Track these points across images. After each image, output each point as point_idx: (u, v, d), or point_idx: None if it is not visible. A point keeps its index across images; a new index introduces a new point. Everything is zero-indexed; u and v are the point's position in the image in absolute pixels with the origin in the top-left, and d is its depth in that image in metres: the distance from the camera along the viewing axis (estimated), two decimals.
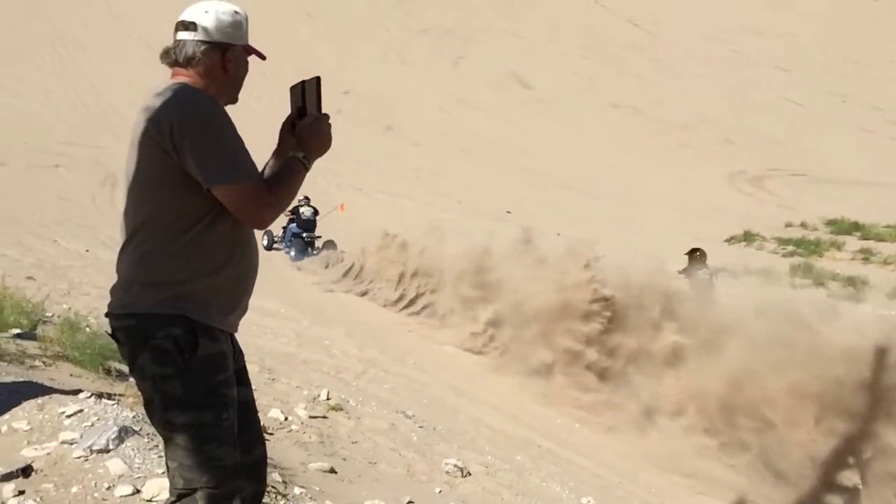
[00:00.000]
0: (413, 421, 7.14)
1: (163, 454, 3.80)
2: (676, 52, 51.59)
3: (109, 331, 2.46)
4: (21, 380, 4.75)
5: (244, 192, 2.32)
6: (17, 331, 6.28)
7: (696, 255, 11.51)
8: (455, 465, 5.84)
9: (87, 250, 14.20)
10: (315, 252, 17.77)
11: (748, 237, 26.26)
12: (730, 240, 25.85)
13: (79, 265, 12.80)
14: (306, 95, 2.52)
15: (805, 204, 31.21)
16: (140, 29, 40.98)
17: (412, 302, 12.70)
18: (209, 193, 2.31)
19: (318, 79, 2.56)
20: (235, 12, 2.46)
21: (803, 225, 27.81)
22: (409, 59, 45.92)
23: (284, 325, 10.08)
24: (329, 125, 2.51)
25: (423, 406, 7.95)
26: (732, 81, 46.89)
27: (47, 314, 7.51)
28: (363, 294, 13.74)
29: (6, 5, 40.43)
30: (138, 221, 2.35)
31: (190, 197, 2.32)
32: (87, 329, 6.19)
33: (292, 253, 18.18)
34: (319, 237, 18.05)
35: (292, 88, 2.53)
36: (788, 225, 27.97)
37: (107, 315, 2.44)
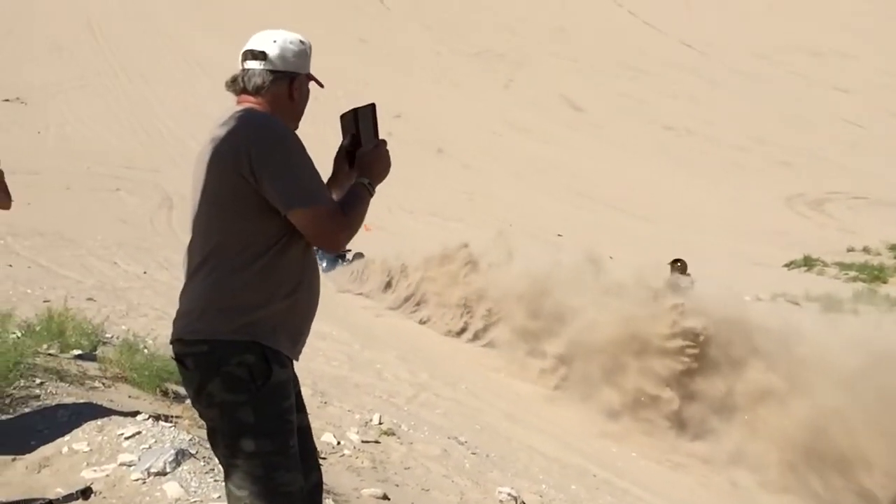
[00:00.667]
0: (465, 447, 7.06)
1: (218, 478, 3.82)
2: (730, 72, 50.93)
3: (173, 356, 2.43)
4: (81, 401, 4.82)
5: (322, 215, 2.34)
6: (78, 352, 6.40)
7: (677, 265, 11.52)
8: (509, 494, 5.73)
9: (145, 272, 14.48)
10: (345, 263, 18.33)
11: (808, 262, 25.58)
12: (789, 265, 25.21)
13: (137, 287, 13.06)
14: (360, 122, 2.55)
15: (866, 228, 30.34)
16: (199, 60, 42.09)
17: (476, 335, 12.22)
18: (282, 219, 2.33)
19: (373, 106, 2.59)
20: (301, 42, 2.50)
21: (865, 249, 27.00)
22: (460, 83, 46.20)
23: (336, 348, 10.11)
24: (387, 151, 2.57)
25: (475, 432, 7.85)
26: (788, 102, 46.05)
27: (107, 335, 7.64)
28: (423, 322, 13.57)
29: (76, 38, 41.92)
30: (210, 247, 2.35)
31: (265, 223, 2.34)
32: (146, 351, 6.27)
33: (324, 264, 18.71)
34: (350, 250, 18.57)
35: (343, 116, 2.57)
36: (850, 250, 27.18)
37: (173, 341, 2.40)
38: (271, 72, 2.44)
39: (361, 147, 2.52)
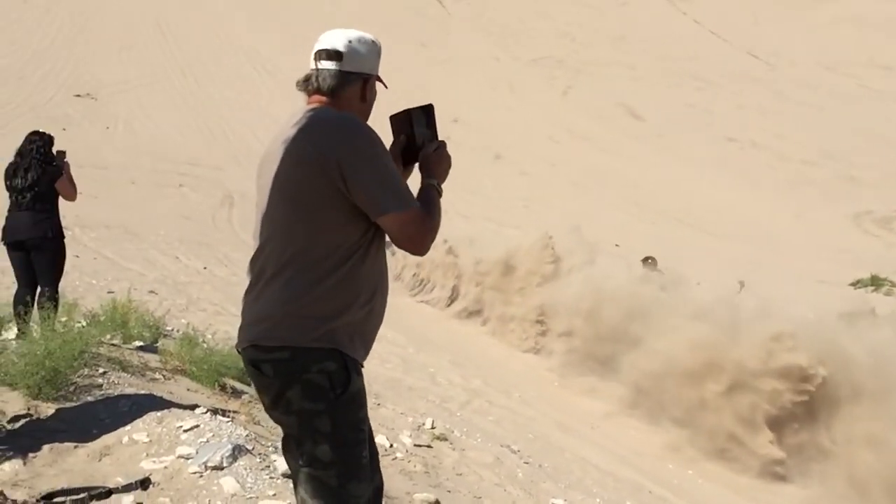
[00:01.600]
0: (518, 456, 6.97)
1: (274, 475, 3.81)
2: (797, 84, 49.69)
3: (247, 361, 2.37)
4: (142, 392, 4.88)
5: (412, 219, 2.31)
6: (140, 343, 6.51)
7: (648, 261, 12.48)
8: None
9: (205, 268, 14.72)
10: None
11: (875, 281, 24.71)
12: (855, 284, 24.42)
13: (197, 282, 13.28)
14: (414, 123, 2.52)
15: None
16: (263, 61, 42.81)
17: (537, 346, 11.92)
18: (364, 225, 2.31)
19: (431, 106, 2.56)
20: (374, 42, 2.48)
21: None
22: (518, 89, 46.04)
23: (391, 351, 10.11)
24: (448, 151, 2.56)
25: (528, 441, 7.75)
26: (858, 116, 44.69)
27: (168, 328, 7.77)
28: (483, 324, 13.39)
29: (145, 37, 43.02)
30: (291, 253, 2.30)
31: (349, 230, 2.31)
32: (204, 345, 6.35)
33: None
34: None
35: (394, 117, 2.55)
36: None
37: (247, 347, 2.35)
38: (346, 72, 2.41)
39: (415, 147, 2.50)
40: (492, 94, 44.48)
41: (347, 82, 2.41)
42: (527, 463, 6.82)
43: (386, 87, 2.53)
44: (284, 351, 2.26)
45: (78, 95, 34.26)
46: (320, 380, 2.25)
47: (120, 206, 19.72)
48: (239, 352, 2.44)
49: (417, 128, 2.52)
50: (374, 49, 2.46)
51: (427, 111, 2.54)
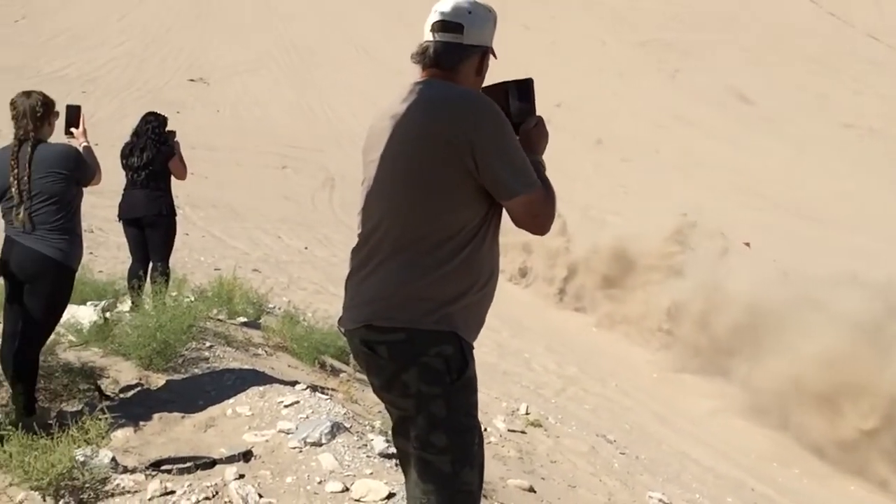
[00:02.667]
0: (614, 446, 6.84)
1: (371, 455, 3.84)
2: None
3: (360, 341, 2.30)
4: (246, 367, 5.02)
5: (539, 199, 2.25)
6: (244, 319, 6.71)
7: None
8: (660, 500, 5.48)
9: (306, 247, 15.07)
10: None
11: None
12: None
13: (298, 261, 13.62)
14: (510, 97, 2.43)
15: None
16: (366, 45, 43.34)
17: (640, 336, 11.65)
18: (486, 208, 2.25)
19: (530, 80, 2.47)
20: (492, 11, 2.37)
21: None
22: (624, 73, 44.98)
23: (485, 335, 10.00)
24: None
25: (624, 431, 7.60)
26: None
27: (270, 305, 7.99)
28: (577, 310, 13.11)
29: (256, 23, 44.23)
30: (411, 233, 2.23)
31: (472, 212, 2.24)
32: (304, 323, 6.48)
33: None
34: None
35: (488, 90, 2.44)
36: None
37: (360, 327, 2.28)
38: (466, 45, 2.31)
39: (510, 122, 2.37)
40: (597, 78, 43.64)
41: (467, 56, 2.32)
42: (623, 454, 6.68)
43: (496, 57, 2.43)
44: (401, 332, 2.20)
45: (191, 80, 35.60)
46: (437, 363, 2.20)
47: (227, 186, 20.39)
48: (343, 332, 2.41)
49: (513, 102, 2.43)
50: (492, 19, 2.36)
51: (525, 85, 2.45)
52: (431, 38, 2.32)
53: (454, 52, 2.31)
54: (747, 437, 8.63)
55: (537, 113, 2.46)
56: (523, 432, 6.29)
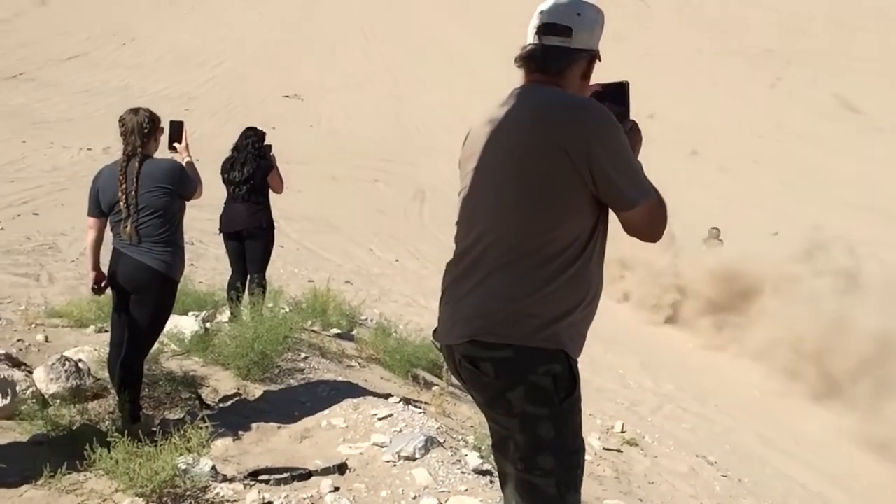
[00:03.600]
0: (715, 468, 6.56)
1: (465, 471, 3.78)
2: None
3: (463, 357, 2.20)
4: (340, 378, 5.05)
5: (655, 207, 2.16)
6: (337, 331, 6.79)
7: (713, 230, 15.12)
8: None
9: (397, 260, 15.17)
10: None
11: None
12: None
13: (389, 273, 13.72)
14: (605, 99, 2.33)
15: None
16: (457, 58, 43.62)
17: (739, 349, 11.13)
18: (595, 219, 2.15)
19: (626, 83, 2.39)
20: (600, 13, 2.26)
21: None
22: (721, 82, 43.73)
23: None
24: None
25: (725, 452, 7.30)
26: None
27: (362, 317, 8.05)
28: (668, 321, 12.61)
29: (348, 40, 45.20)
30: (520, 247, 2.11)
31: (584, 224, 2.14)
32: (396, 335, 6.50)
33: None
34: None
35: None
36: None
37: (460, 344, 2.19)
38: (574, 49, 2.19)
39: None
40: (692, 87, 42.58)
41: (574, 60, 2.20)
42: (724, 476, 6.41)
43: (600, 60, 2.32)
44: (508, 349, 2.10)
45: (287, 96, 36.57)
46: (545, 382, 2.10)
47: (321, 199, 20.77)
48: (439, 346, 2.33)
49: (609, 105, 2.31)
50: (601, 21, 2.25)
51: (621, 88, 2.37)
52: (536, 42, 2.21)
53: (561, 57, 2.19)
54: (860, 464, 8.15)
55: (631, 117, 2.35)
56: (619, 451, 6.11)
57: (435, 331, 2.35)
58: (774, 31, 49.96)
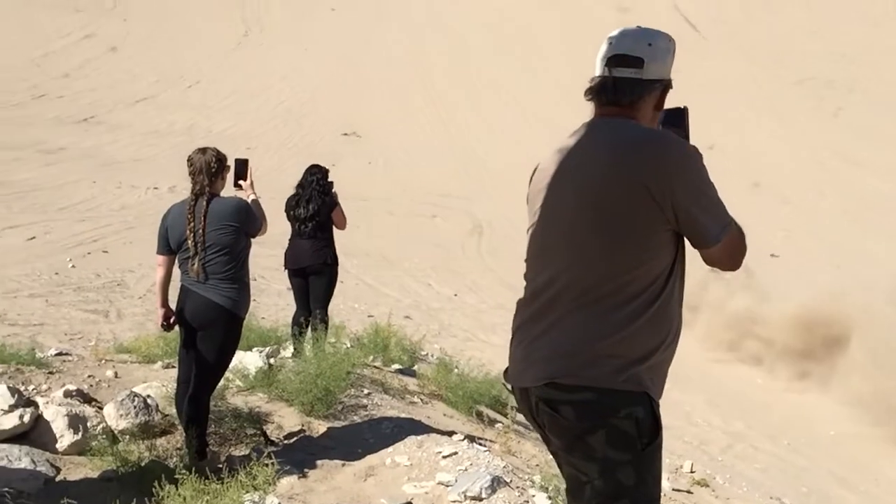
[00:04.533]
0: None
1: None
2: None
3: (539, 399, 2.12)
4: (403, 415, 5.01)
5: (735, 237, 2.10)
6: (398, 366, 6.76)
7: None
8: None
9: (456, 294, 15.15)
10: None
11: None
12: None
13: (448, 308, 13.69)
14: (663, 124, 2.29)
15: None
16: (512, 94, 43.82)
17: (813, 384, 10.68)
18: (675, 254, 2.08)
19: (685, 109, 2.34)
20: (671, 41, 2.20)
21: None
22: (780, 112, 42.96)
23: None
24: None
25: (801, 495, 7.02)
26: None
27: (423, 352, 8.02)
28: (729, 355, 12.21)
29: (405, 77, 45.89)
30: (601, 285, 2.04)
31: (665, 259, 2.07)
32: (457, 371, 6.44)
33: None
34: None
35: None
36: None
37: (538, 386, 2.11)
38: (647, 81, 2.13)
39: None
40: (751, 118, 41.90)
41: (647, 91, 2.14)
42: None
43: (672, 88, 2.24)
44: (589, 392, 2.02)
45: (345, 134, 37.19)
46: (628, 426, 2.02)
47: (379, 235, 20.95)
48: (510, 387, 2.25)
49: (669, 129, 2.28)
50: (672, 50, 2.19)
51: (679, 113, 2.32)
52: (606, 73, 2.15)
53: (634, 89, 2.13)
54: None
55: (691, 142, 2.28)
56: (689, 492, 5.91)
57: (505, 371, 2.28)
58: (833, 61, 49.03)
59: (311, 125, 37.46)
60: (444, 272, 17.74)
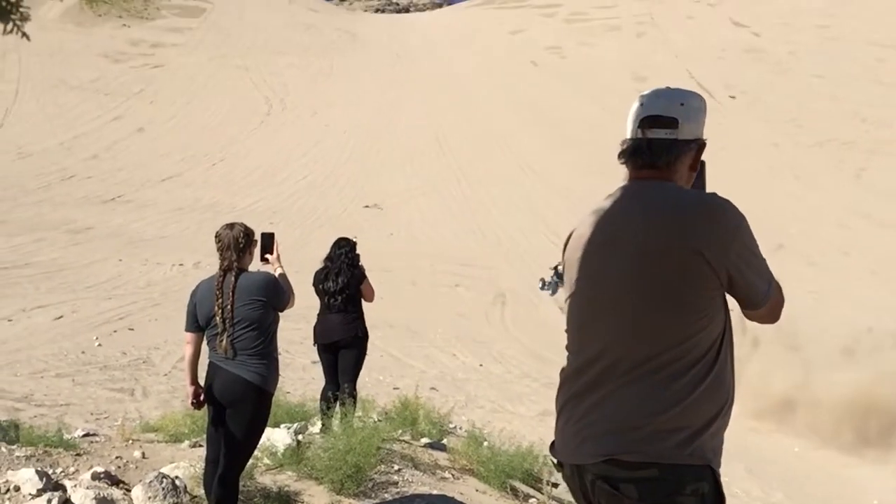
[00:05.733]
0: None
1: None
2: None
3: (596, 476, 2.02)
4: (435, 492, 4.88)
5: (779, 291, 2.09)
6: (427, 440, 6.62)
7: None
8: None
9: (481, 365, 14.99)
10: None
11: None
12: None
13: (474, 379, 13.53)
14: None
15: None
16: (530, 163, 44.26)
17: (862, 452, 10.36)
18: (726, 315, 2.03)
19: (703, 163, 2.29)
20: (702, 100, 2.19)
21: None
22: (801, 175, 43.00)
23: None
24: None
25: None
26: None
27: (451, 425, 7.87)
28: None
29: (425, 150, 46.59)
30: (658, 355, 1.96)
31: (718, 323, 2.01)
32: (487, 444, 6.30)
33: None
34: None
35: None
36: None
37: (595, 463, 2.02)
38: (682, 141, 2.10)
39: None
40: (772, 181, 41.91)
41: (683, 152, 2.11)
42: None
43: (706, 147, 2.23)
44: (652, 469, 1.93)
45: (366, 206, 37.58)
46: (693, 503, 1.94)
47: (402, 306, 20.92)
48: (558, 463, 2.15)
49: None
50: (704, 109, 2.17)
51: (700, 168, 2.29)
52: (640, 135, 2.12)
53: (670, 150, 2.10)
54: None
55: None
56: None
57: (552, 446, 2.19)
58: (852, 122, 49.22)
59: (333, 198, 37.94)
60: (469, 342, 17.61)
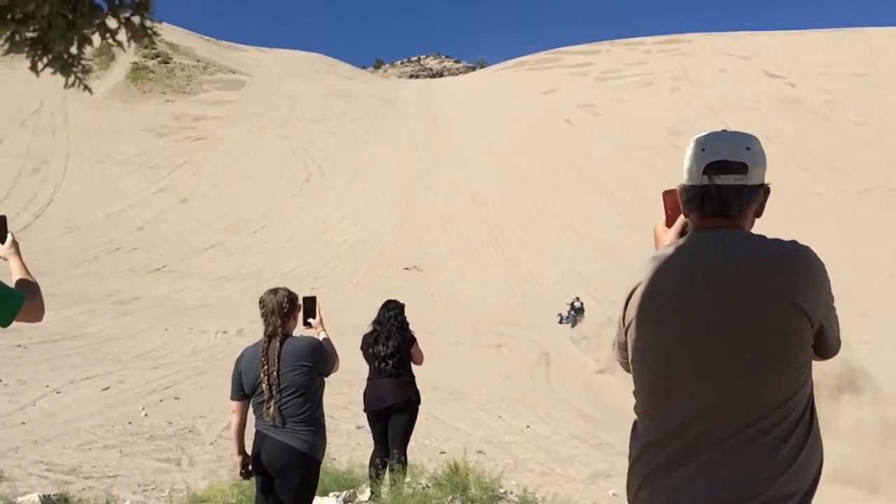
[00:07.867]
0: None
1: None
2: None
3: None
4: None
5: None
6: None
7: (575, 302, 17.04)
8: None
9: (528, 426, 14.68)
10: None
11: None
12: None
13: (521, 441, 13.23)
14: None
15: None
16: (568, 219, 44.23)
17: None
18: (812, 374, 1.94)
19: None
20: (759, 141, 2.08)
21: None
22: (846, 223, 42.25)
23: None
24: None
25: None
26: None
27: (501, 490, 7.65)
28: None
29: (462, 210, 46.83)
30: (766, 421, 1.85)
31: (811, 380, 1.91)
32: None
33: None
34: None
35: (668, 193, 2.23)
36: None
37: None
38: (752, 186, 1.98)
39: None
40: (816, 230, 41.23)
41: (753, 199, 1.99)
42: None
43: (770, 192, 2.13)
44: None
45: (406, 268, 37.72)
46: None
47: (446, 368, 20.74)
48: None
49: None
50: (764, 152, 2.06)
51: None
52: (707, 182, 1.99)
53: (742, 196, 1.98)
54: None
55: None
56: None
57: None
58: (894, 168, 48.45)
59: (373, 261, 38.18)
60: (514, 403, 17.31)
